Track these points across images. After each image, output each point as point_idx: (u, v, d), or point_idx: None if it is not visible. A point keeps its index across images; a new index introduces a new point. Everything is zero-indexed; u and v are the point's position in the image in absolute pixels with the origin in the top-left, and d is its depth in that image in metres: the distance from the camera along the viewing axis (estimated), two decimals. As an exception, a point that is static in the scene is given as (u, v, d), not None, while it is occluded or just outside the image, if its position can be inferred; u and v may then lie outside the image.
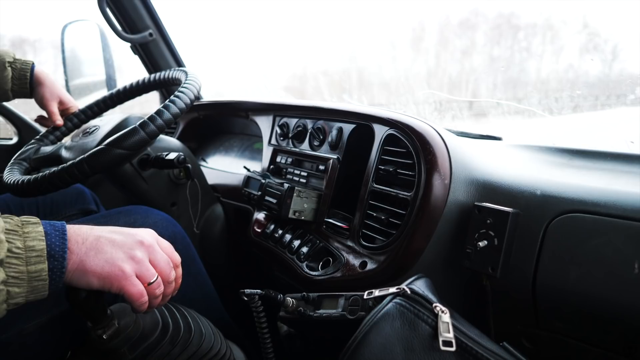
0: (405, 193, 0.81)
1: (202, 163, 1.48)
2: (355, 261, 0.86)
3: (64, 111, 1.27)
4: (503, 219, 0.72)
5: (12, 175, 1.02)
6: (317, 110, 1.09)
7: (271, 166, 1.16)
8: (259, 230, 1.11)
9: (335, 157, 0.99)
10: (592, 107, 1.18)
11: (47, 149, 1.18)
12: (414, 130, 0.84)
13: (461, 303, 0.79)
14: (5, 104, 1.58)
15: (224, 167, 1.39)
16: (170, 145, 1.20)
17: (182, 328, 0.78)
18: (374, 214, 0.85)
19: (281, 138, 1.17)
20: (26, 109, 1.67)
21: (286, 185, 0.99)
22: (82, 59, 1.66)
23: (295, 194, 0.98)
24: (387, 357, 0.54)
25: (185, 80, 1.05)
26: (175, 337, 0.76)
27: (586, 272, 0.65)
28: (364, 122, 0.96)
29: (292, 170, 1.10)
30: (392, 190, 0.84)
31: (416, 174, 0.80)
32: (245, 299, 0.78)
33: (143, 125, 0.91)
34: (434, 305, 0.57)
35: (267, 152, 1.20)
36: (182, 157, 1.07)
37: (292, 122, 1.14)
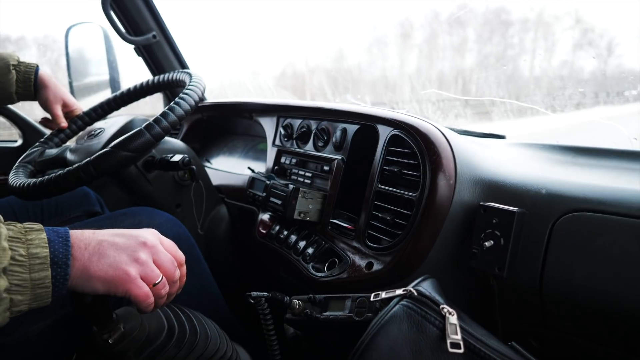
0: (411, 193, 0.81)
1: (206, 164, 1.48)
2: (361, 262, 0.86)
3: (68, 113, 1.27)
4: (509, 218, 0.72)
5: (18, 178, 1.03)
6: (321, 111, 1.09)
7: (275, 167, 1.16)
8: (264, 232, 1.11)
9: (339, 157, 0.99)
10: (595, 104, 1.18)
11: (52, 151, 1.18)
12: (418, 130, 0.84)
13: (468, 303, 0.79)
14: (9, 106, 1.58)
15: (228, 168, 1.39)
16: (175, 146, 1.21)
17: (188, 331, 0.78)
18: (380, 215, 0.85)
19: (285, 139, 1.17)
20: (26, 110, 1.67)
21: (291, 186, 0.99)
22: (85, 61, 1.67)
23: (300, 195, 0.98)
24: (395, 360, 0.54)
25: (190, 82, 1.05)
26: (181, 340, 0.76)
27: (593, 271, 0.65)
28: (368, 123, 0.96)
29: (296, 171, 1.11)
30: (397, 190, 0.84)
31: (421, 174, 0.80)
32: (252, 301, 0.78)
33: (148, 127, 0.91)
34: (441, 307, 0.57)
35: (271, 153, 1.20)
36: (187, 159, 1.07)
37: (296, 123, 1.14)
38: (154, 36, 1.57)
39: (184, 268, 0.71)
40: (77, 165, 0.90)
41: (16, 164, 1.13)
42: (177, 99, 0.96)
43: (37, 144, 1.23)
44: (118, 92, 1.31)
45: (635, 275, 0.61)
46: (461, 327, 0.55)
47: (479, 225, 0.76)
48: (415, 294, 0.59)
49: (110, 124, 1.13)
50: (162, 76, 1.23)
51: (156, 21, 1.57)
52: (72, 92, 1.56)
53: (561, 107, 1.10)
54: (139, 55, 1.64)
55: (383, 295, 0.63)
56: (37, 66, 1.23)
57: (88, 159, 0.90)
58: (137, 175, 1.13)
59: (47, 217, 1.26)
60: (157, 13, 1.56)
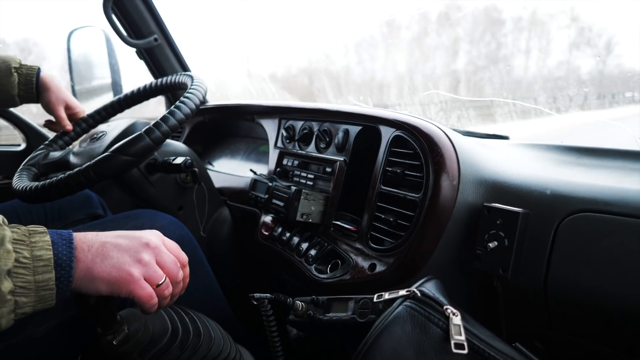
0: (414, 194, 0.80)
1: (208, 166, 1.48)
2: (364, 263, 0.85)
3: (72, 116, 1.27)
4: (513, 219, 0.71)
5: (21, 181, 1.03)
6: (323, 113, 1.09)
7: (278, 169, 1.16)
8: (266, 233, 1.11)
9: (342, 159, 0.99)
10: (601, 105, 1.17)
11: (56, 154, 1.18)
12: (421, 131, 0.84)
13: (472, 305, 0.78)
14: (13, 110, 1.59)
15: (230, 170, 1.39)
16: (177, 149, 1.21)
17: (192, 332, 0.78)
18: (382, 216, 0.85)
19: (287, 141, 1.17)
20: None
21: (293, 188, 0.99)
22: (87, 64, 1.67)
23: (302, 197, 0.98)
24: (398, 361, 0.53)
25: (191, 85, 1.05)
26: (185, 342, 0.76)
27: (599, 272, 0.64)
28: (370, 124, 0.96)
29: (298, 172, 1.10)
30: (400, 191, 0.84)
31: (424, 175, 0.80)
32: (255, 303, 0.77)
33: (148, 131, 0.91)
34: (445, 307, 0.56)
35: (273, 155, 1.20)
36: (189, 161, 1.07)
37: (298, 124, 1.14)
38: (156, 39, 1.58)
39: (187, 269, 0.71)
40: (77, 169, 0.91)
41: (20, 167, 1.14)
42: (177, 103, 0.96)
43: (42, 146, 1.23)
44: (121, 95, 1.31)
45: (641, 275, 0.61)
46: (465, 328, 0.54)
47: (482, 226, 0.75)
48: (419, 294, 0.58)
49: (113, 127, 1.14)
50: (163, 79, 1.23)
51: (157, 24, 1.57)
52: (74, 95, 1.56)
53: (565, 107, 1.10)
54: (140, 58, 1.65)
55: (386, 296, 0.62)
56: (39, 68, 1.23)
57: (88, 163, 0.90)
58: (139, 178, 1.13)
59: (50, 220, 1.26)
60: (158, 16, 1.57)
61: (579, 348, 0.69)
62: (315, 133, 1.08)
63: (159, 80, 1.25)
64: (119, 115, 1.34)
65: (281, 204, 1.00)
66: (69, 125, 1.25)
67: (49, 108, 1.24)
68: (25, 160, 1.17)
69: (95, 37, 1.62)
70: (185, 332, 0.78)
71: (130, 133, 1.09)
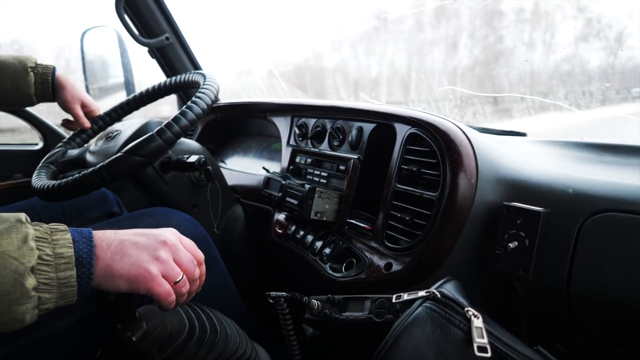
0: (430, 193, 0.79)
1: (221, 164, 1.48)
2: (380, 262, 0.84)
3: (87, 114, 1.28)
4: (534, 219, 0.70)
5: (39, 179, 1.04)
6: (335, 110, 1.08)
7: (291, 167, 1.16)
8: (280, 231, 1.10)
9: (355, 157, 0.98)
10: (622, 100, 1.14)
11: (74, 152, 1.20)
12: (438, 128, 0.83)
13: (491, 306, 0.77)
14: (30, 110, 1.60)
15: (242, 168, 1.39)
16: (190, 147, 1.21)
17: (208, 329, 0.78)
18: (398, 215, 0.84)
19: (300, 138, 1.16)
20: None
21: (307, 186, 0.98)
22: (100, 64, 1.69)
23: (316, 195, 0.97)
24: (419, 363, 0.52)
25: (203, 84, 1.05)
26: (202, 339, 0.76)
27: (624, 274, 0.62)
28: (384, 121, 0.95)
29: (311, 170, 1.10)
30: (416, 190, 0.83)
31: (441, 173, 0.78)
32: (271, 301, 0.77)
33: (160, 132, 0.92)
34: (466, 309, 0.55)
35: (286, 152, 1.19)
36: (203, 159, 1.07)
37: (311, 122, 1.14)
38: (167, 38, 1.58)
39: (204, 267, 0.71)
40: (91, 169, 0.92)
41: (39, 165, 1.15)
42: (189, 103, 0.96)
43: (60, 144, 1.24)
44: (136, 94, 1.32)
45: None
46: (487, 331, 0.53)
47: (502, 225, 0.74)
48: (439, 295, 0.57)
49: (127, 126, 1.14)
50: (176, 78, 1.24)
51: (169, 23, 1.58)
52: (88, 93, 1.58)
53: (585, 103, 1.07)
54: (152, 57, 1.65)
55: (405, 297, 0.61)
56: (54, 67, 1.24)
57: (102, 163, 0.91)
58: (154, 176, 1.13)
59: (68, 217, 1.28)
60: (169, 15, 1.57)
61: (603, 351, 0.68)
62: (329, 131, 1.07)
63: (172, 79, 1.25)
64: (134, 113, 1.35)
65: (295, 202, 1.00)
66: (87, 123, 1.27)
67: (65, 106, 1.25)
68: (44, 158, 1.18)
69: (107, 36, 1.63)
70: (202, 329, 0.78)
71: (143, 132, 1.09)
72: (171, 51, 1.59)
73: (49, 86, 1.22)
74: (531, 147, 0.99)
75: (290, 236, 1.07)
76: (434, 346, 0.53)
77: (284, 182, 1.05)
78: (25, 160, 1.63)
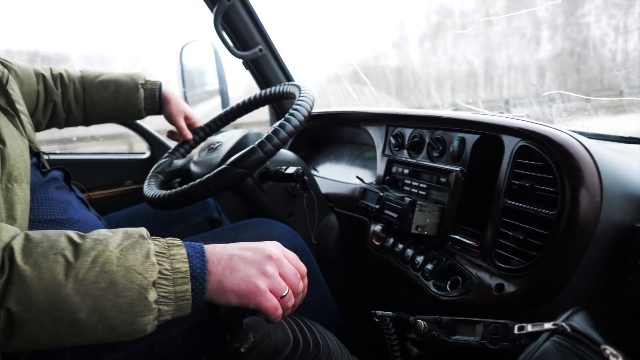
0: (547, 211, 0.74)
1: (314, 172, 1.51)
2: (490, 282, 0.81)
3: (189, 125, 1.38)
4: (675, 244, 0.62)
5: (150, 189, 1.13)
6: (434, 120, 1.05)
7: (387, 177, 1.14)
8: (377, 244, 1.10)
9: (458, 169, 0.94)
10: None
11: (179, 162, 1.28)
12: (552, 141, 0.77)
13: (619, 339, 0.70)
14: (138, 122, 1.75)
15: (335, 177, 1.40)
16: (286, 158, 1.24)
17: (311, 343, 0.80)
18: (509, 233, 0.79)
19: (396, 148, 1.15)
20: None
21: (407, 199, 0.96)
22: (196, 73, 1.80)
23: (417, 208, 0.95)
24: (549, 403, 0.49)
25: (299, 95, 1.07)
26: (305, 353, 0.78)
27: None
28: (490, 133, 0.90)
29: (409, 181, 1.08)
30: (529, 207, 0.78)
31: (559, 190, 0.73)
32: (377, 320, 0.77)
33: (261, 145, 0.95)
34: (602, 347, 0.51)
35: (381, 162, 1.19)
36: (301, 171, 1.09)
37: (407, 132, 1.11)
38: (260, 50, 1.64)
39: (306, 280, 0.73)
40: (199, 181, 0.97)
41: (149, 174, 1.24)
42: (287, 115, 0.98)
43: (166, 154, 1.34)
44: (233, 106, 1.39)
45: None
46: (629, 374, 0.48)
47: (635, 249, 0.67)
48: (569, 329, 0.53)
49: (228, 138, 1.20)
50: (271, 89, 1.28)
51: (262, 35, 1.63)
52: (185, 100, 1.70)
53: None
54: (246, 68, 1.72)
55: (529, 328, 0.58)
56: (161, 83, 1.35)
57: (208, 175, 0.96)
58: (253, 186, 1.18)
59: (174, 222, 1.38)
60: (262, 28, 1.62)
61: None
62: (427, 141, 1.04)
63: (267, 90, 1.29)
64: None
65: (394, 215, 0.99)
66: (189, 135, 1.36)
67: (170, 119, 1.35)
68: (153, 168, 1.28)
69: (204, 49, 1.74)
70: (306, 343, 0.79)
71: (243, 144, 1.14)
72: (264, 62, 1.65)
73: (156, 101, 1.33)
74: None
75: (389, 249, 1.06)
76: (565, 385, 0.50)
77: (382, 194, 1.04)
78: (135, 168, 1.78)
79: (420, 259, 0.97)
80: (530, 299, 0.74)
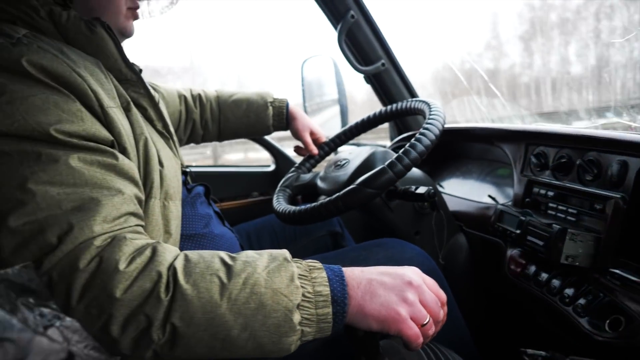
0: None
1: (439, 189, 1.47)
2: (666, 329, 0.71)
3: (314, 141, 1.42)
4: None
5: (279, 204, 1.18)
6: (586, 140, 0.95)
7: (526, 199, 1.07)
8: (517, 270, 1.03)
9: (618, 196, 0.85)
10: None
11: (305, 177, 1.33)
12: None
13: None
14: (265, 137, 1.86)
15: (464, 194, 1.35)
16: (414, 175, 1.22)
17: (447, 374, 0.77)
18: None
19: (538, 169, 1.07)
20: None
21: (556, 226, 0.89)
22: (316, 85, 1.87)
23: (568, 237, 0.87)
24: None
25: (429, 113, 1.05)
26: (441, 381, 0.75)
27: None
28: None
29: (554, 205, 0.99)
30: None
31: None
32: (527, 359, 0.72)
33: (391, 165, 0.94)
34: None
35: (519, 182, 1.11)
36: (432, 191, 1.06)
37: (552, 151, 1.03)
38: (383, 64, 1.64)
39: (446, 308, 0.70)
40: (328, 199, 0.99)
41: (278, 188, 1.30)
42: (418, 135, 0.96)
43: (292, 169, 1.40)
44: (358, 121, 1.40)
45: None
46: None
47: None
48: None
49: (355, 156, 1.21)
50: (398, 105, 1.26)
51: (384, 50, 1.63)
52: (305, 111, 1.76)
53: None
54: (367, 82, 1.74)
55: None
56: (287, 101, 1.41)
57: (338, 194, 0.97)
58: (380, 204, 1.18)
59: (299, 235, 1.43)
60: (385, 42, 1.62)
61: None
62: (578, 163, 0.95)
63: (394, 106, 1.28)
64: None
65: (540, 242, 0.92)
66: (315, 150, 1.40)
67: (297, 135, 1.41)
68: (281, 182, 1.34)
69: (324, 63, 1.79)
70: (442, 373, 0.77)
71: (370, 162, 1.15)
72: (387, 76, 1.65)
73: (284, 117, 1.40)
74: None
75: (531, 277, 0.98)
76: None
77: (523, 218, 0.98)
78: (261, 180, 1.89)
79: (570, 291, 0.89)
80: None
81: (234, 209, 1.80)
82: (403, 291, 0.64)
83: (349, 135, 1.42)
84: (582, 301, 0.86)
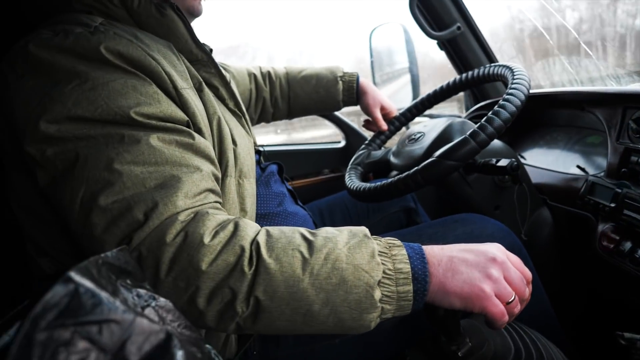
0: None
1: (521, 160, 1.37)
2: None
3: (385, 116, 1.38)
4: None
5: (352, 181, 1.16)
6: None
7: (622, 169, 0.96)
8: (610, 246, 0.94)
9: None
10: None
11: (377, 153, 1.29)
12: None
13: None
14: (335, 112, 1.84)
15: (548, 165, 1.25)
16: (494, 147, 1.14)
17: (534, 356, 0.73)
18: None
19: (637, 135, 0.95)
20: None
21: (658, 199, 0.80)
22: (385, 54, 1.81)
23: (672, 211, 0.78)
24: None
25: (513, 78, 0.97)
26: (528, 365, 0.72)
27: None
28: None
29: (656, 176, 0.89)
30: None
31: None
32: (623, 343, 0.66)
33: (474, 135, 0.88)
34: None
35: (614, 151, 1.00)
36: (515, 163, 0.99)
37: (655, 115, 0.91)
38: (459, 27, 1.54)
39: (531, 286, 0.66)
40: (406, 174, 0.94)
41: (349, 166, 1.28)
42: (501, 101, 0.89)
43: (363, 146, 1.37)
44: (430, 92, 1.33)
45: None
46: None
47: None
48: None
49: (430, 128, 1.16)
50: (477, 71, 1.18)
51: (460, 12, 1.53)
52: (374, 83, 1.71)
53: None
54: (441, 49, 1.65)
55: None
56: (358, 75, 1.38)
57: (416, 168, 0.93)
58: (457, 178, 1.13)
59: (371, 212, 1.40)
60: (461, 3, 1.52)
61: None
62: (687, 127, 0.84)
63: (472, 72, 1.20)
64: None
65: (639, 217, 0.83)
66: (384, 126, 1.36)
67: (367, 110, 1.37)
68: (352, 160, 1.32)
69: (393, 31, 1.72)
70: (529, 356, 0.73)
71: (448, 134, 1.09)
72: (462, 41, 1.55)
73: (354, 92, 1.36)
74: None
75: (626, 254, 0.90)
76: None
77: (619, 190, 0.88)
78: (332, 157, 1.89)
79: (675, 272, 0.80)
80: None
81: (306, 186, 1.82)
82: (487, 268, 0.61)
83: (420, 108, 1.35)
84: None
